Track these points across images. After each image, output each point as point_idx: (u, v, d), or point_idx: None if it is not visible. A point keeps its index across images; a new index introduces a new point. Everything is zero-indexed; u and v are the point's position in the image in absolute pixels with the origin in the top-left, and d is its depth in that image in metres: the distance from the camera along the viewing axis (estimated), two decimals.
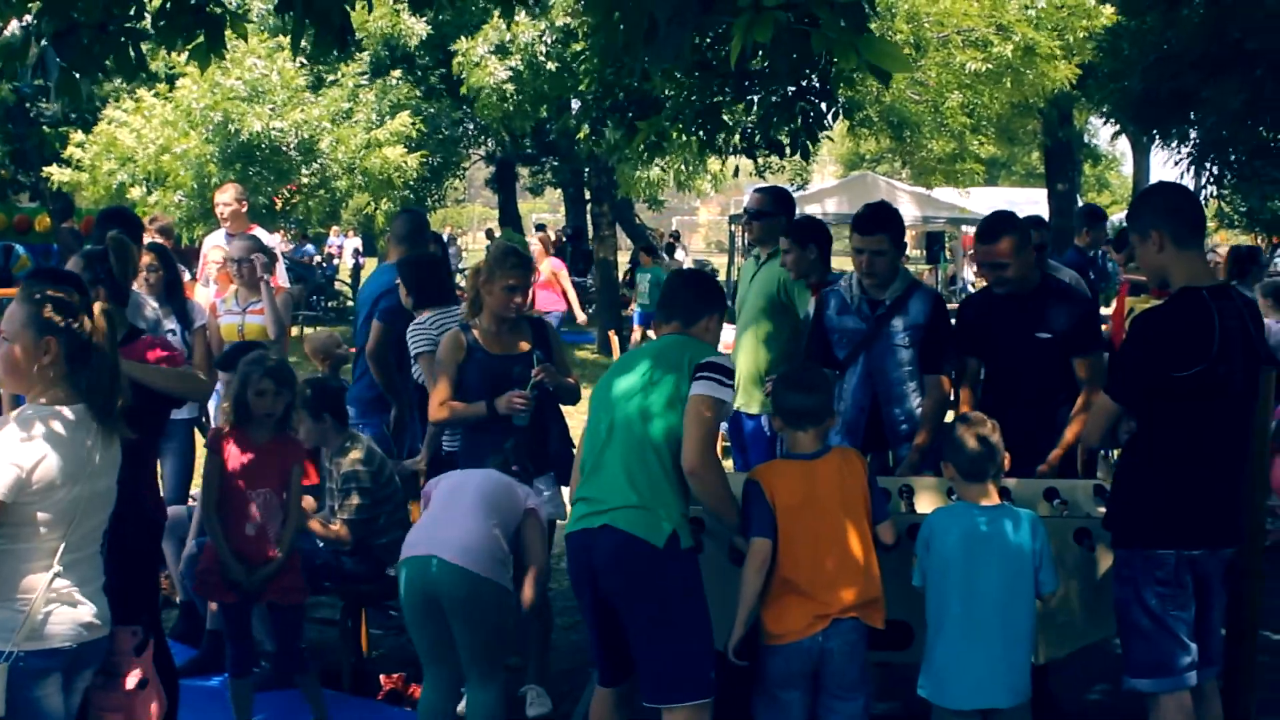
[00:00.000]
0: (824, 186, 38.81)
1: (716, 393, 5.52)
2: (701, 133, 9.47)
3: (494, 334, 7.28)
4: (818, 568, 5.54)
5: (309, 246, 36.16)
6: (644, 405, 5.55)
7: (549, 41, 18.75)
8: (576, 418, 7.24)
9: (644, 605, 5.43)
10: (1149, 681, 5.55)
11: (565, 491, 7.36)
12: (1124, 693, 5.79)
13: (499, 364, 7.22)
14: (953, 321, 7.59)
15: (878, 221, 7.38)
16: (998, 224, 7.17)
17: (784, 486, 5.64)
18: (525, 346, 7.31)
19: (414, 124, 21.75)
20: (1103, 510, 6.01)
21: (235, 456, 6.72)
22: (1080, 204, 36.69)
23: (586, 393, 6.60)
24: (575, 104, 15.24)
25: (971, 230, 40.94)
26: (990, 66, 22.24)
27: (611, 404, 5.67)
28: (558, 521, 7.22)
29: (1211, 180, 12.15)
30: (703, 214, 78.98)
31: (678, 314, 5.88)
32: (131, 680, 5.41)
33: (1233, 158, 11.81)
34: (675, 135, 9.71)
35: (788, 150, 9.64)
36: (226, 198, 11.70)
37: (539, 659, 7.52)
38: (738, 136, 10.10)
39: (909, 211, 33.92)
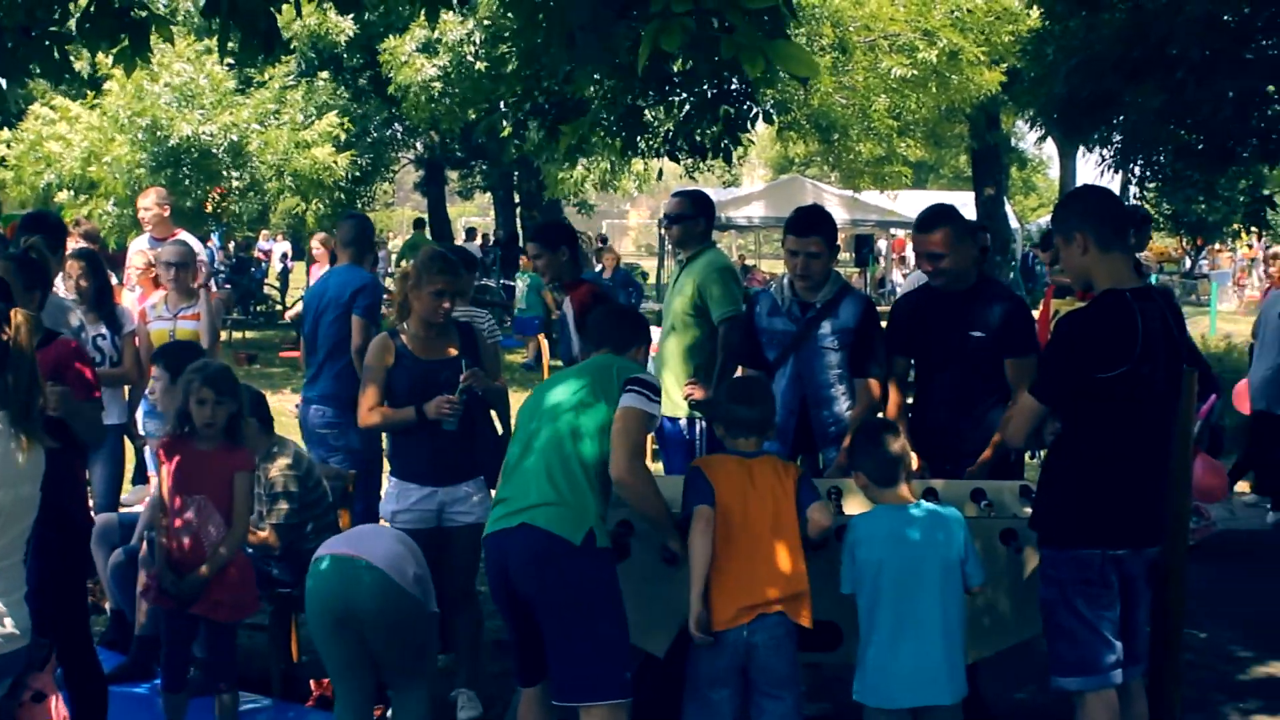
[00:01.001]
0: (752, 190, 38.92)
1: (645, 406, 5.58)
2: (624, 134, 9.47)
3: (422, 339, 7.27)
4: (746, 561, 5.58)
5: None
6: (569, 411, 5.59)
7: (477, 40, 18.73)
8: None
9: (559, 603, 5.44)
10: (1075, 680, 5.60)
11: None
12: (1051, 692, 5.83)
13: (428, 369, 7.21)
14: (883, 324, 7.61)
15: (812, 224, 7.39)
16: (935, 215, 7.20)
17: (722, 474, 5.72)
18: (454, 351, 7.31)
19: (341, 124, 21.65)
20: (1029, 511, 6.05)
21: (175, 464, 6.65)
22: (1008, 208, 36.99)
23: (517, 396, 6.61)
24: (503, 105, 15.26)
25: (900, 233, 41.29)
26: (916, 72, 22.38)
27: (538, 412, 5.72)
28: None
29: (1135, 182, 12.25)
30: (632, 217, 79.12)
31: (608, 343, 5.98)
32: (29, 693, 5.32)
33: (1155, 160, 11.93)
34: (597, 137, 9.70)
35: (710, 153, 9.65)
36: (148, 202, 11.64)
37: (469, 662, 7.50)
38: (660, 138, 10.11)
39: (837, 215, 33.75)
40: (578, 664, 5.44)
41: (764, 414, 5.89)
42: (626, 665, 5.53)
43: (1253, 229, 13.53)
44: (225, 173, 20.86)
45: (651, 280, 42.95)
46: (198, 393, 6.58)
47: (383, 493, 7.64)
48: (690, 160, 14.83)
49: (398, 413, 7.16)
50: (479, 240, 41.76)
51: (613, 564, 5.57)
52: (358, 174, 22.46)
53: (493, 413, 8.15)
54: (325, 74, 23.20)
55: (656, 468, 7.03)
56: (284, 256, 40.60)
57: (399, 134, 28.13)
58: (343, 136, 21.46)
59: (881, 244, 43.05)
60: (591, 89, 9.40)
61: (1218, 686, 8.11)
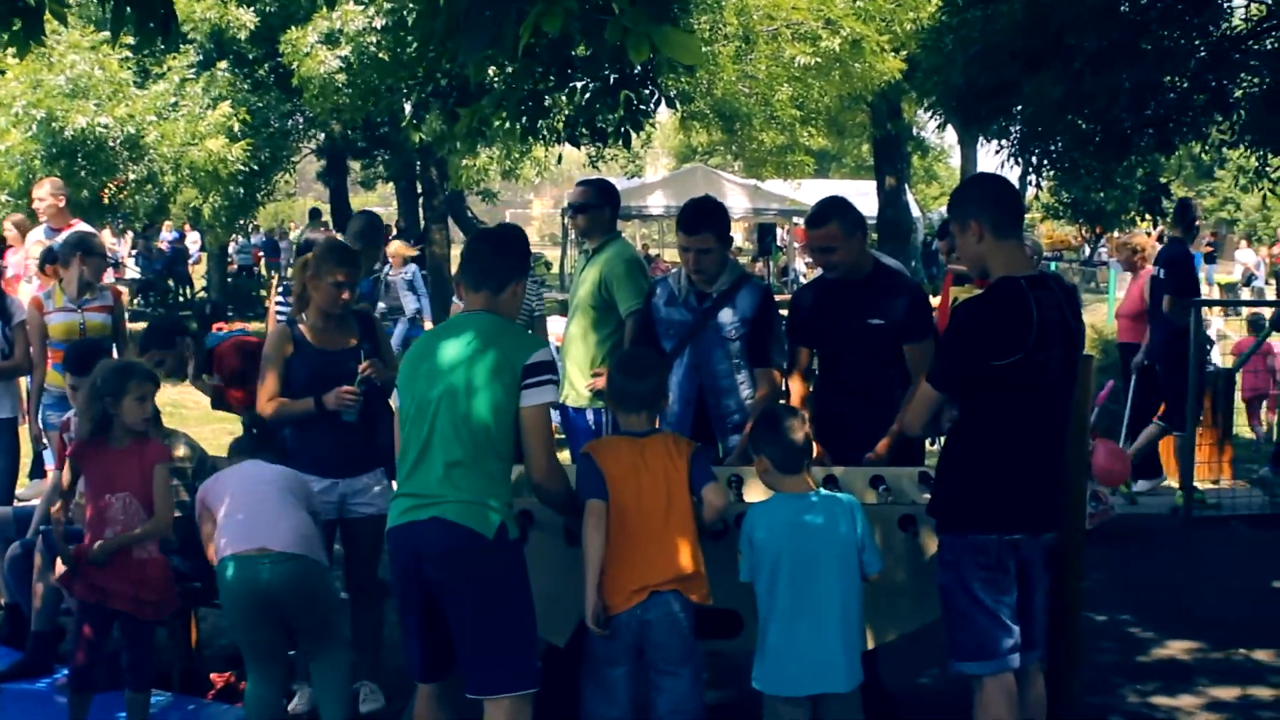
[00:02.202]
0: (655, 179, 38.93)
1: (549, 396, 5.55)
2: (524, 120, 9.42)
3: (321, 329, 7.23)
4: (640, 541, 5.58)
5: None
6: (468, 403, 5.47)
7: (379, 28, 18.59)
8: None
9: (472, 597, 5.39)
10: (973, 665, 5.64)
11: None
12: (951, 677, 5.86)
13: (327, 360, 7.17)
14: (783, 313, 7.63)
15: (702, 219, 7.36)
16: (826, 209, 7.22)
17: (613, 458, 5.69)
18: (353, 342, 7.27)
19: (235, 115, 21.40)
20: (927, 497, 6.08)
21: (92, 466, 6.59)
22: (910, 196, 37.23)
23: None
24: (404, 89, 15.15)
25: (802, 222, 41.38)
26: (819, 60, 22.47)
27: (429, 395, 5.57)
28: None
29: (1033, 171, 12.34)
30: (536, 207, 79.03)
31: (488, 281, 5.76)
32: None
33: (1053, 149, 12.02)
34: (498, 123, 9.64)
35: (611, 137, 9.63)
36: (43, 193, 11.55)
37: (372, 654, 7.48)
38: (561, 124, 10.07)
39: (740, 204, 34.20)
40: (490, 657, 5.42)
41: (654, 387, 5.86)
42: (536, 655, 5.52)
43: (1148, 217, 13.63)
44: (121, 165, 20.61)
45: (555, 270, 42.97)
46: (136, 390, 6.56)
47: None
48: (594, 149, 14.74)
49: (296, 403, 7.11)
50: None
51: (522, 556, 5.55)
52: (257, 165, 22.21)
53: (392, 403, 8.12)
54: (224, 64, 22.96)
55: (563, 456, 7.01)
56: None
57: (300, 124, 27.92)
58: (237, 127, 21.23)
59: (784, 233, 43.16)
60: (491, 73, 9.36)
61: (1116, 669, 8.20)
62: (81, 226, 11.32)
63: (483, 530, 5.36)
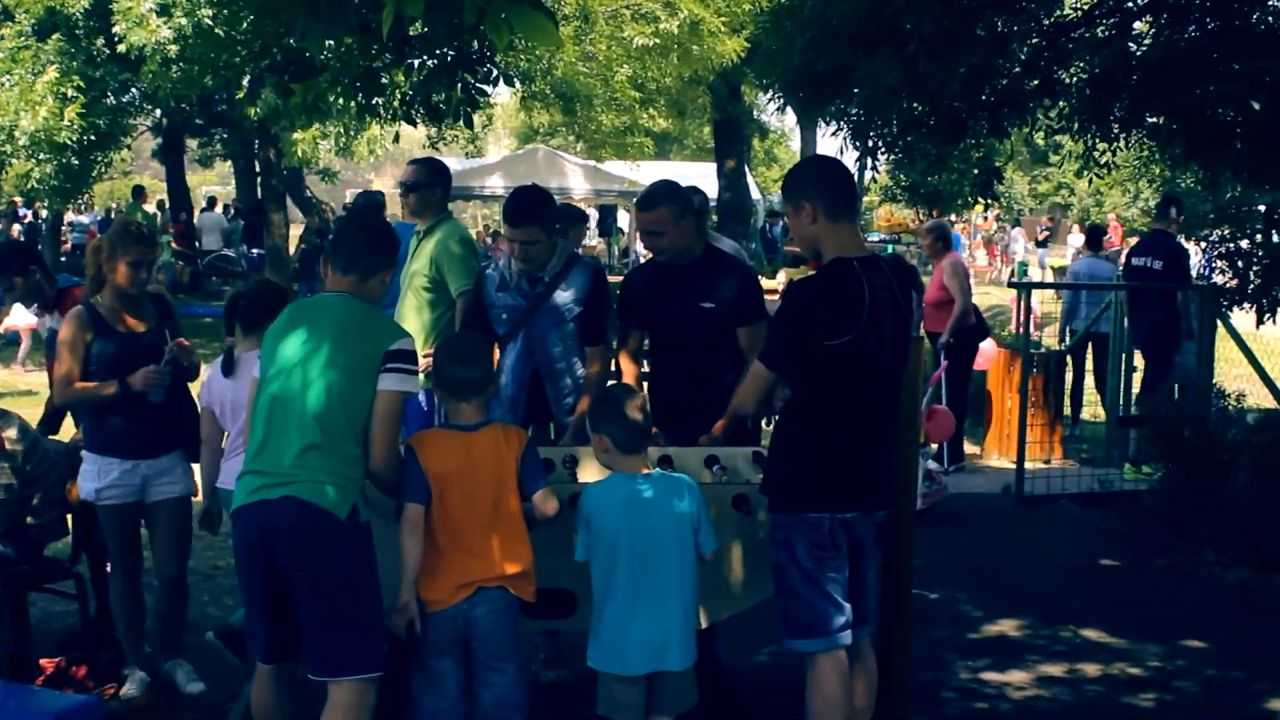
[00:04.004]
0: (495, 160, 38.81)
1: (407, 385, 5.49)
2: (361, 97, 9.32)
3: (119, 311, 7.14)
4: (467, 536, 5.52)
5: None
6: (325, 383, 5.39)
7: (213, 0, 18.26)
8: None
9: (321, 577, 5.32)
10: (805, 642, 5.67)
11: (195, 468, 7.28)
12: (784, 653, 5.90)
13: (126, 342, 7.09)
14: (617, 293, 7.63)
15: (526, 213, 7.30)
16: (655, 194, 7.23)
17: (439, 455, 5.59)
18: (151, 324, 7.20)
19: (65, 80, 20.84)
20: (761, 477, 6.11)
21: None
22: (750, 179, 37.45)
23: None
24: (238, 62, 14.89)
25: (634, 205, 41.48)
26: (659, 41, 22.50)
27: (286, 372, 5.48)
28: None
29: (869, 155, 12.43)
30: (377, 185, 78.34)
31: (357, 266, 5.67)
32: None
33: (889, 133, 12.11)
34: (334, 99, 9.54)
35: (448, 117, 9.56)
36: None
37: (176, 633, 7.60)
38: (397, 101, 9.98)
39: (580, 185, 34.22)
40: (335, 638, 5.34)
41: (485, 373, 5.78)
42: (382, 639, 5.47)
43: (981, 200, 13.83)
44: None
45: None
46: None
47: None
48: (433, 129, 14.55)
49: (101, 386, 7.00)
50: (220, 209, 41.05)
51: (371, 537, 5.48)
52: (94, 136, 21.73)
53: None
54: (58, 35, 22.44)
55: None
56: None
57: (136, 99, 27.41)
58: (69, 92, 20.73)
59: (624, 215, 43.25)
60: (329, 49, 9.24)
61: (948, 645, 8.34)
62: None
63: (335, 510, 5.29)
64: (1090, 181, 12.79)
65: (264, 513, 5.36)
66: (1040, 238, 47.58)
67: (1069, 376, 15.78)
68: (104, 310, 7.12)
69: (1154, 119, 11.69)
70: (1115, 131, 11.58)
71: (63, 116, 20.35)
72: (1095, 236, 18.84)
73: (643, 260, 9.40)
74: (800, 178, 5.85)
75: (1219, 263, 11.90)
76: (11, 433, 7.47)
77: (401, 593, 5.46)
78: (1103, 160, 11.90)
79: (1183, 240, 13.85)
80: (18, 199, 35.79)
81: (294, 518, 5.30)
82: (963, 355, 13.20)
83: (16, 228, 38.47)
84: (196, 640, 7.69)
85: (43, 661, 7.58)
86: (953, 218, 44.67)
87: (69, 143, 20.69)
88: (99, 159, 24.13)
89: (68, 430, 8.34)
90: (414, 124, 10.86)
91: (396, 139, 13.80)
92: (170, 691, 7.38)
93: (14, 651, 7.53)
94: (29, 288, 8.14)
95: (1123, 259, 18.03)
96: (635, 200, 7.50)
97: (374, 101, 9.44)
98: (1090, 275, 17.41)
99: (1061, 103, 11.79)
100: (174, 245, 33.47)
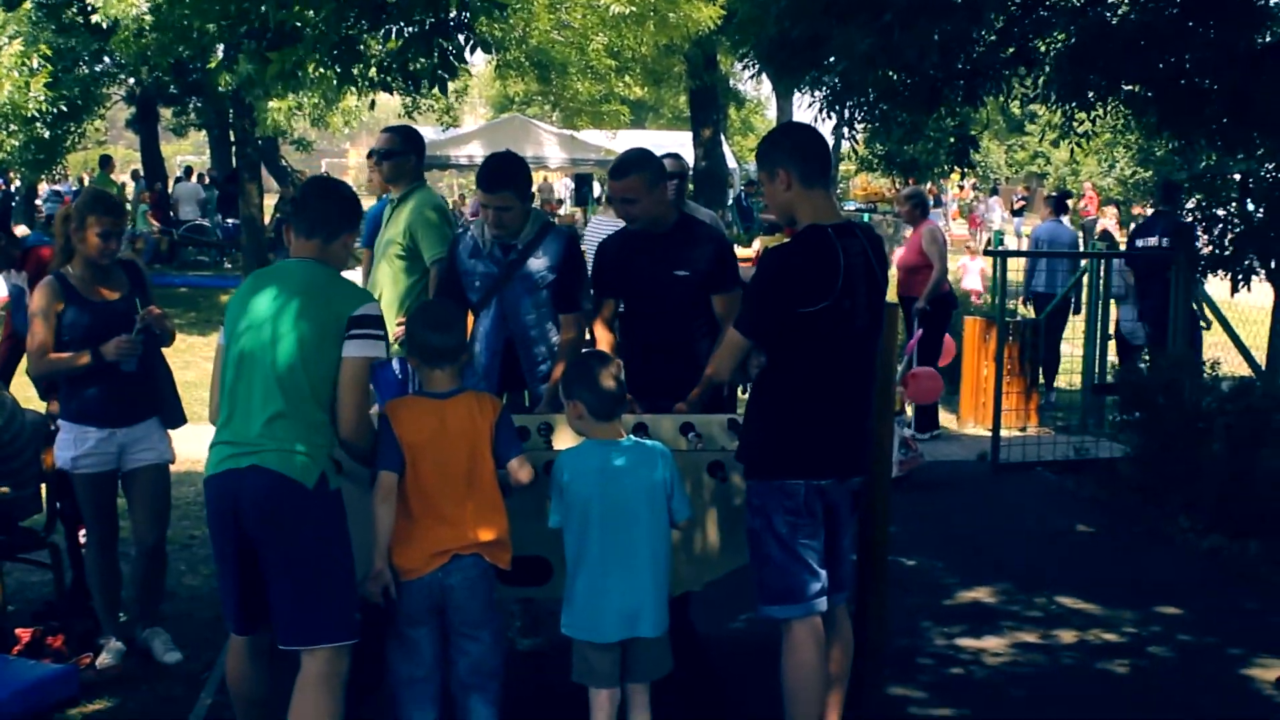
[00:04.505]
0: (471, 129, 38.68)
1: (372, 351, 5.46)
2: (338, 65, 9.27)
3: (89, 280, 7.11)
4: (440, 505, 5.52)
5: None
6: (290, 351, 5.37)
7: None
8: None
9: (289, 546, 5.30)
10: (780, 608, 5.69)
11: (172, 435, 7.27)
12: (759, 620, 5.92)
13: (98, 311, 7.06)
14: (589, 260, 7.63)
15: (501, 178, 7.27)
16: (628, 162, 7.23)
17: (412, 423, 5.59)
18: (122, 292, 7.18)
19: (32, 50, 20.68)
20: (737, 444, 6.12)
21: None
22: (726, 148, 37.39)
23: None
24: (213, 30, 14.77)
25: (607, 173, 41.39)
26: (634, 8, 22.43)
27: (251, 341, 5.46)
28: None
29: (845, 124, 12.43)
30: (352, 156, 78.20)
31: (320, 229, 5.64)
32: None
33: (865, 102, 12.11)
34: (311, 67, 9.48)
35: (425, 83, 9.51)
36: None
37: (156, 601, 7.58)
38: (375, 69, 9.92)
39: (556, 154, 34.14)
40: (305, 608, 5.32)
41: (458, 340, 5.76)
42: (355, 607, 5.46)
43: (957, 169, 13.84)
44: None
45: None
46: None
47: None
48: (409, 99, 14.45)
49: (73, 356, 6.97)
50: (194, 179, 40.91)
51: (342, 505, 5.47)
52: (66, 107, 21.60)
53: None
54: (28, 5, 22.28)
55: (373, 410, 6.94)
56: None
57: (109, 68, 27.27)
58: (35, 62, 20.56)
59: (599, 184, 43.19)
60: (307, 17, 9.17)
61: (924, 612, 8.36)
62: None
63: (302, 479, 5.28)
64: (1071, 151, 12.80)
65: (232, 482, 5.35)
66: (1016, 206, 47.59)
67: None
68: (74, 279, 7.09)
69: (1129, 88, 11.71)
70: (1091, 100, 11.60)
71: (29, 89, 20.19)
72: (1060, 201, 18.96)
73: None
74: (775, 145, 5.84)
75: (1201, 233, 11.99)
76: None
77: (375, 561, 5.46)
78: (1080, 130, 11.92)
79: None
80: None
81: (261, 487, 5.29)
82: (937, 323, 13.23)
83: None
84: (173, 609, 7.70)
85: (18, 631, 7.57)
86: (928, 186, 44.81)
87: (36, 115, 20.54)
88: (71, 130, 24.01)
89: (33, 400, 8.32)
90: (391, 92, 10.81)
91: (372, 106, 13.72)
92: (146, 660, 7.37)
93: None
94: None
95: (1117, 234, 18.11)
96: (609, 168, 7.48)
97: (351, 69, 9.37)
98: (1050, 239, 17.53)
99: (1037, 72, 11.80)
100: (150, 217, 33.35)
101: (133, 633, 7.50)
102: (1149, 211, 29.79)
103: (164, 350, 7.40)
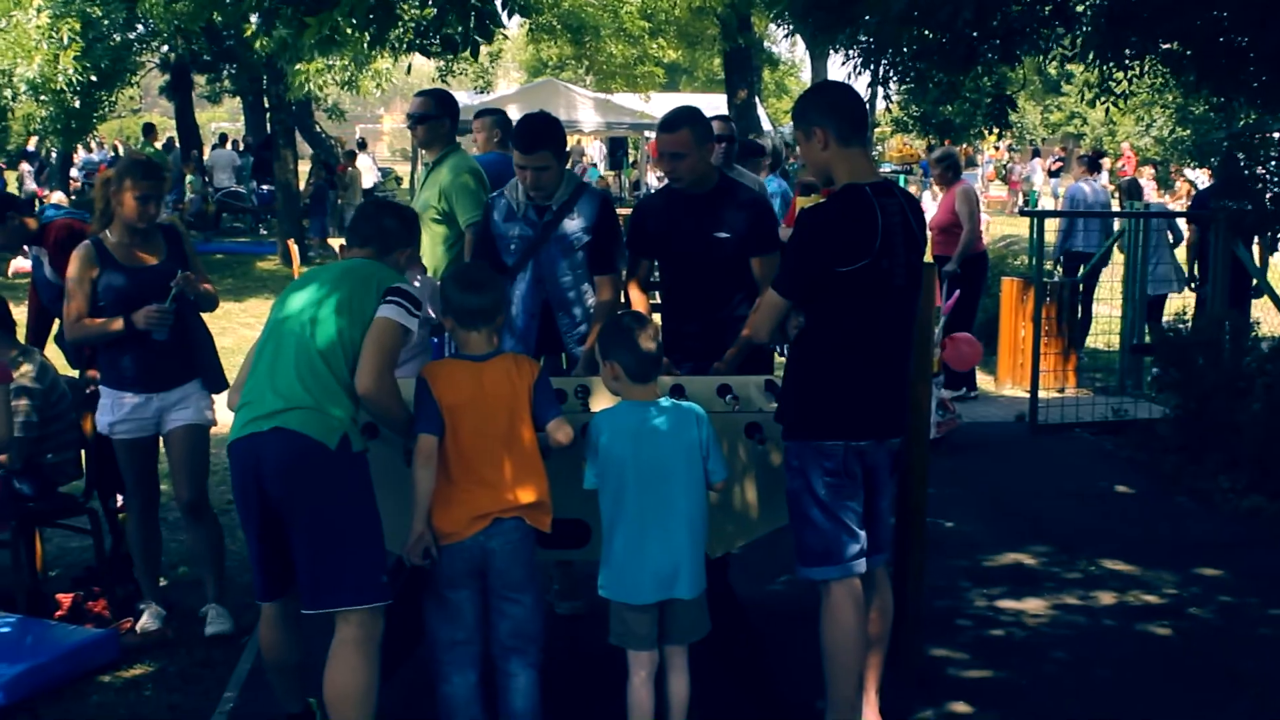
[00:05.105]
0: (505, 94, 38.61)
1: (403, 319, 5.46)
2: (374, 28, 9.24)
3: (127, 246, 7.11)
4: (480, 467, 5.50)
5: None
6: (319, 314, 5.41)
7: None
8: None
9: (313, 508, 5.30)
10: (819, 570, 5.67)
11: (217, 399, 7.28)
12: (800, 582, 5.91)
13: (134, 276, 7.07)
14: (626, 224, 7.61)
15: (538, 138, 7.22)
16: (679, 116, 7.21)
17: (450, 385, 5.56)
18: (160, 257, 7.17)
19: (56, 24, 20.64)
20: (774, 405, 6.09)
21: None
22: (761, 110, 37.27)
23: (259, 304, 6.44)
24: None
25: (654, 135, 41.38)
26: None
27: (286, 313, 5.52)
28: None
29: (880, 84, 12.35)
30: (387, 121, 78.36)
31: (372, 241, 5.77)
32: None
33: (900, 61, 12.02)
34: (348, 30, 9.46)
35: (460, 46, 9.48)
36: None
37: (215, 575, 7.42)
38: (411, 32, 9.89)
39: (591, 118, 34.05)
40: (329, 570, 5.31)
41: (494, 301, 5.73)
42: (383, 570, 5.45)
43: (994, 130, 13.75)
44: None
45: (405, 185, 42.64)
46: None
47: None
48: (443, 62, 14.42)
49: (106, 323, 7.00)
50: (229, 146, 40.98)
51: (367, 468, 5.46)
52: (96, 77, 21.60)
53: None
54: None
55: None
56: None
57: (142, 36, 27.29)
58: (65, 35, 20.54)
59: (636, 148, 43.09)
60: None
61: (963, 574, 8.35)
62: None
63: (325, 440, 5.27)
64: (1107, 110, 12.69)
65: (254, 446, 5.35)
66: (1053, 168, 47.37)
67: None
68: (111, 245, 7.10)
69: (1168, 46, 11.59)
70: (1129, 59, 11.49)
71: (59, 62, 20.20)
72: (1094, 161, 18.96)
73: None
74: (811, 103, 5.80)
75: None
76: (31, 369, 7.48)
77: (415, 524, 5.45)
78: (1118, 89, 11.82)
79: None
80: (32, 139, 35.64)
81: (283, 448, 5.29)
82: (969, 284, 13.16)
83: (25, 166, 38.37)
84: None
85: (59, 596, 7.64)
86: (963, 147, 44.63)
87: (65, 88, 20.56)
88: (103, 98, 24.01)
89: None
90: (427, 55, 10.80)
91: (408, 71, 13.73)
92: (186, 625, 7.41)
93: (31, 587, 7.57)
94: (10, 232, 8.12)
95: (1154, 194, 18.05)
96: (658, 122, 7.43)
97: (386, 33, 9.35)
98: (1082, 198, 17.76)
99: (1074, 30, 11.69)
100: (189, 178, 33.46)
101: (179, 598, 7.53)
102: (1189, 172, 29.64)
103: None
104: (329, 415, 5.31)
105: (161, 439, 7.32)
